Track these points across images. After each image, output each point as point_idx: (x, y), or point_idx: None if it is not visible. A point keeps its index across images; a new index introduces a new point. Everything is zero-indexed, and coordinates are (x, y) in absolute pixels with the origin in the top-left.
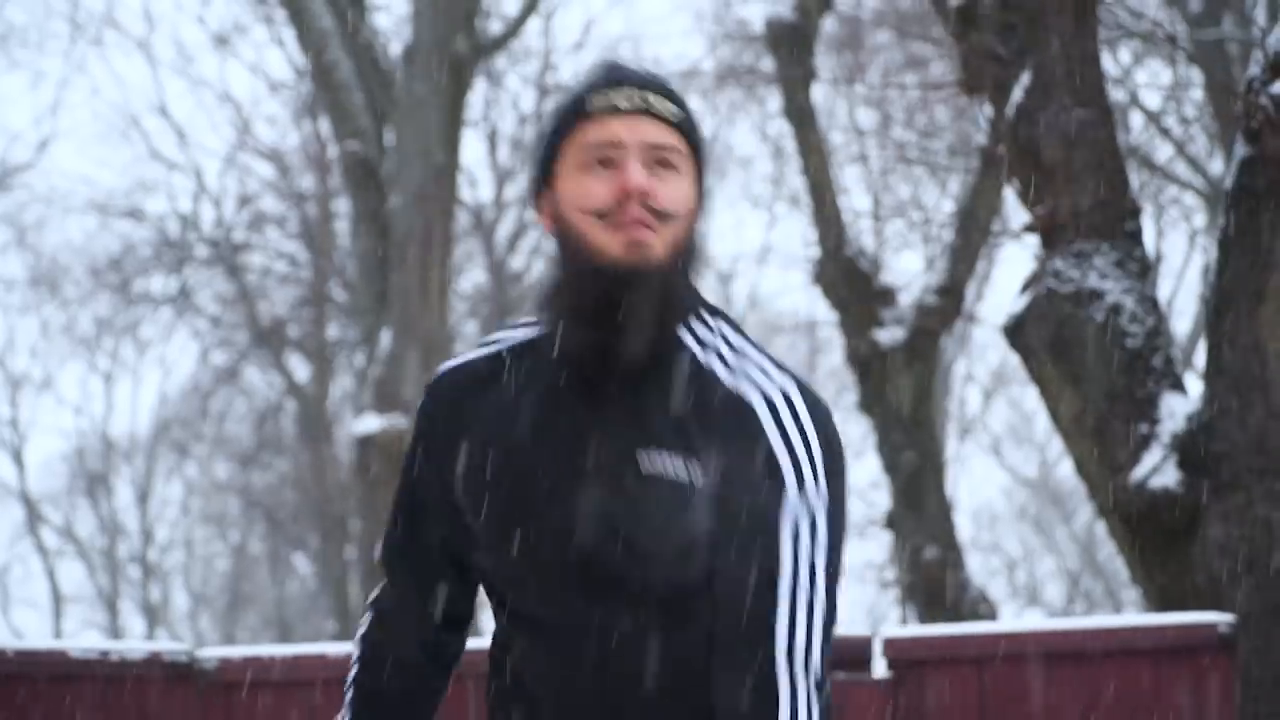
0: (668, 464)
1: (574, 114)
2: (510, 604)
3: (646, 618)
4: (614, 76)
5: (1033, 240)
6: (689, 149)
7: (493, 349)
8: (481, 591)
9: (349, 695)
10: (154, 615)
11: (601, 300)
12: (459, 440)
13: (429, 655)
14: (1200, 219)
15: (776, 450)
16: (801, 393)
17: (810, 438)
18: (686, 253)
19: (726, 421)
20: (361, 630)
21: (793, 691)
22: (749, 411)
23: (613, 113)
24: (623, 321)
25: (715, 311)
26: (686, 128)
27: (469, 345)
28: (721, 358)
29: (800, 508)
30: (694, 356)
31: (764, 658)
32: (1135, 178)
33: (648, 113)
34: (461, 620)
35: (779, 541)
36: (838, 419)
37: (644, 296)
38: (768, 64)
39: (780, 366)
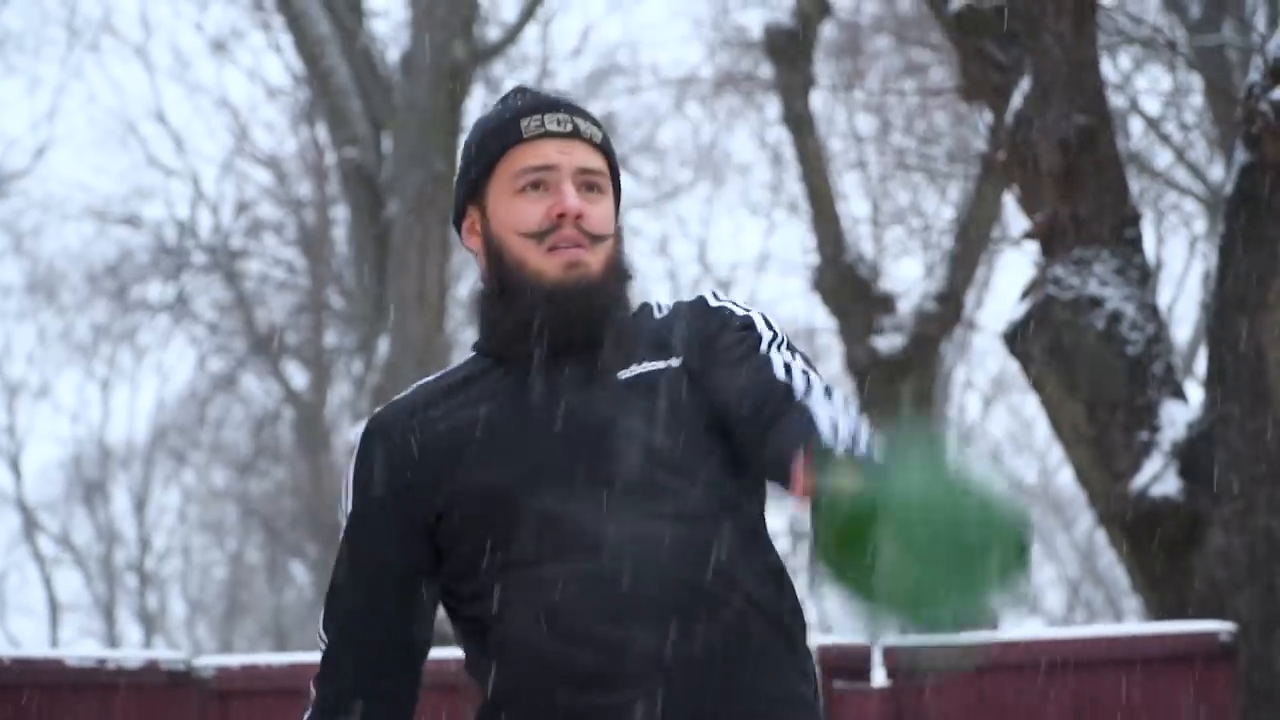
0: (644, 367)
1: (507, 138)
2: (526, 569)
3: (662, 508)
4: (541, 101)
5: (1032, 247)
6: (608, 170)
7: (421, 387)
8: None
9: None
10: (151, 623)
11: (546, 320)
12: (430, 447)
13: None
14: (1200, 225)
15: (731, 308)
16: (721, 287)
17: (749, 302)
18: (620, 269)
19: (681, 320)
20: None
21: (828, 409)
22: (696, 302)
23: (545, 137)
24: (572, 335)
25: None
26: (608, 150)
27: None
28: (657, 305)
29: (768, 334)
30: (631, 314)
31: (794, 403)
32: (1135, 184)
33: (577, 136)
34: (420, 653)
35: (769, 359)
36: None
37: (590, 310)
38: (766, 70)
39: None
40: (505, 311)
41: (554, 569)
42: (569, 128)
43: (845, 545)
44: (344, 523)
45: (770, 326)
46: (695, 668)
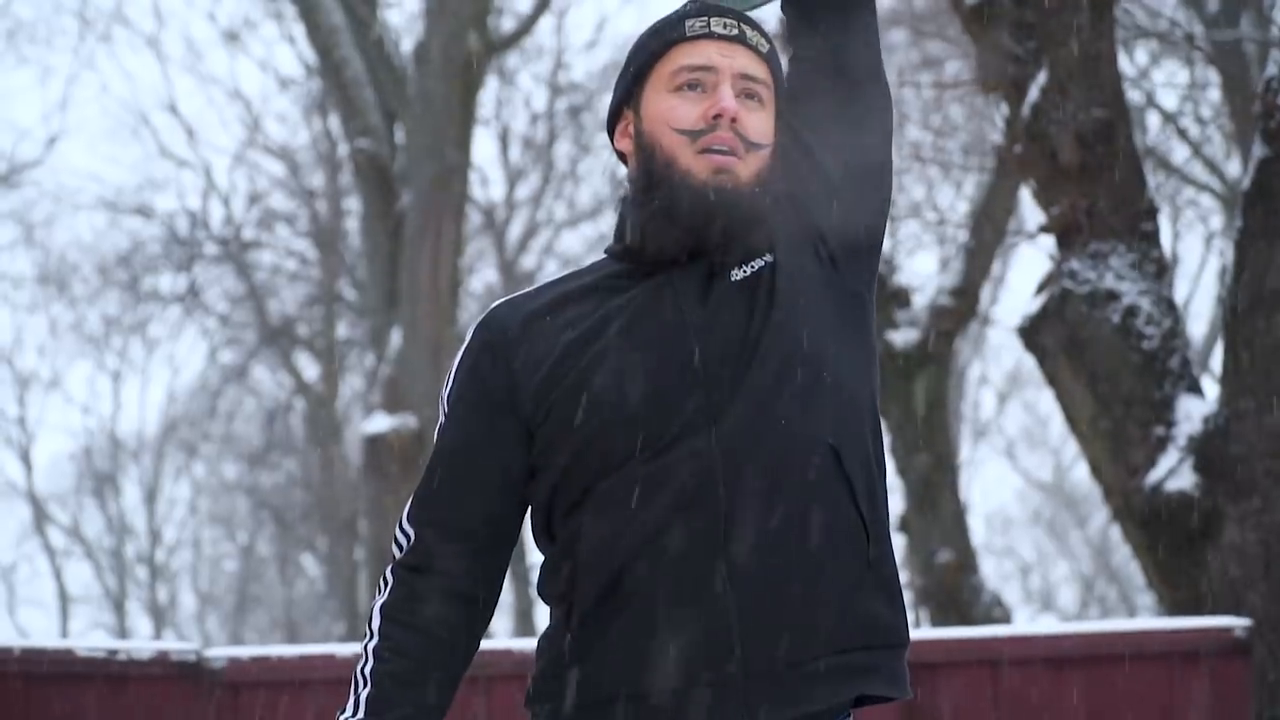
0: (751, 267)
1: (671, 36)
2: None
3: (787, 403)
4: (709, 6)
5: (1048, 241)
6: (773, 84)
7: (548, 288)
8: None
9: (368, 667)
10: (161, 616)
11: (691, 219)
12: (543, 353)
13: (475, 615)
14: (1217, 220)
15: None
16: None
17: None
18: (767, 184)
19: (786, 206)
20: (382, 600)
21: None
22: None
23: (709, 38)
24: (713, 238)
25: None
26: (774, 63)
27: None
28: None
29: None
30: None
31: None
32: (1152, 178)
33: (742, 42)
34: (498, 575)
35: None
36: None
37: (729, 218)
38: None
39: None
40: (646, 208)
41: (660, 469)
42: (734, 31)
43: None
44: (442, 415)
45: None
46: (777, 568)
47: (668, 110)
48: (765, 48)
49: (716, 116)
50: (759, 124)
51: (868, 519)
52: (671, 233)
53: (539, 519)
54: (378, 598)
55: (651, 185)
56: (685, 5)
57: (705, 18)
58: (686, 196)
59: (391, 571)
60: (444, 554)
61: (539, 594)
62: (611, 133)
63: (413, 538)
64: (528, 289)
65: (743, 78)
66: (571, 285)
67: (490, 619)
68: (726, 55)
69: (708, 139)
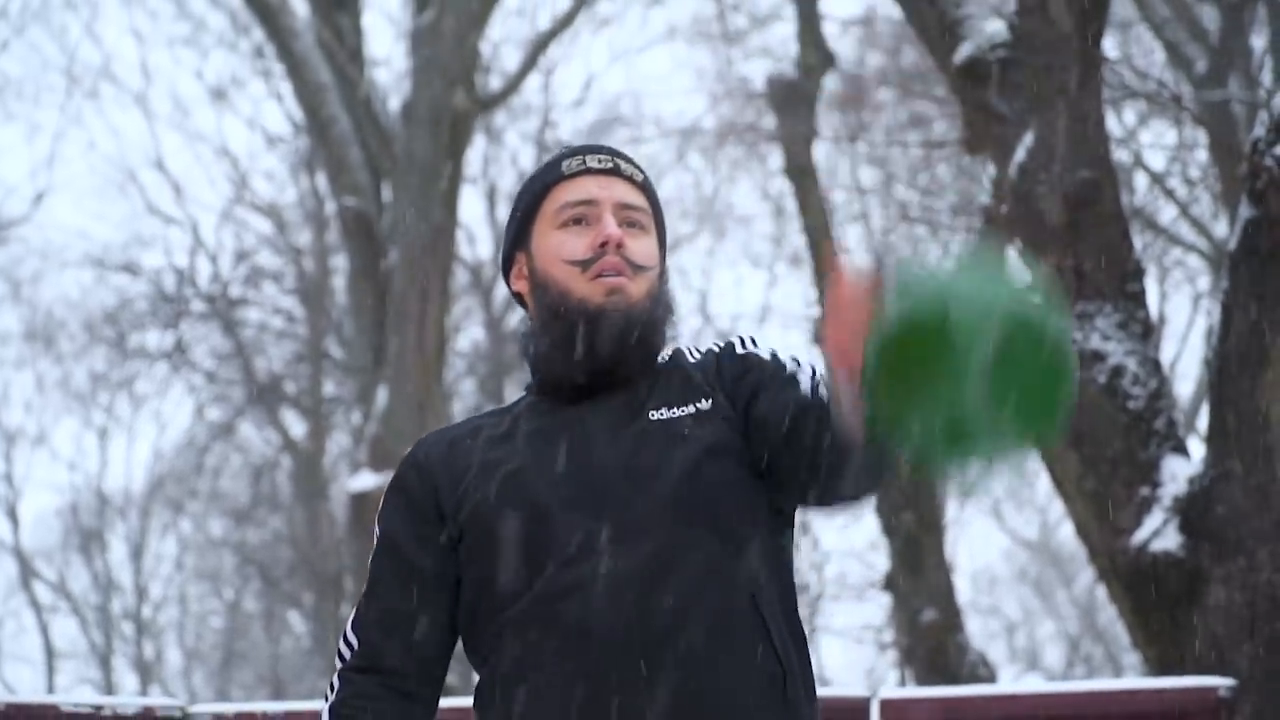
0: (676, 409)
1: (550, 176)
2: (543, 613)
3: (679, 546)
4: (582, 146)
5: None
6: (651, 210)
7: (465, 422)
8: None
9: None
10: (147, 672)
11: (587, 337)
12: (461, 470)
13: (408, 711)
14: (1204, 281)
15: (759, 351)
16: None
17: (768, 340)
18: (661, 303)
19: (712, 363)
20: (334, 700)
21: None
22: (727, 347)
23: (586, 173)
24: (608, 352)
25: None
26: (649, 190)
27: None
28: (688, 350)
29: (793, 363)
30: (668, 356)
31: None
32: (1139, 239)
33: (617, 173)
34: (440, 683)
35: (796, 378)
36: None
37: (625, 329)
38: (769, 122)
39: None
40: (548, 338)
41: (556, 600)
42: (609, 165)
43: (910, 360)
44: (375, 538)
45: (796, 360)
46: (690, 707)
47: (557, 245)
48: (640, 177)
49: (603, 244)
50: (644, 248)
51: (784, 663)
52: (574, 357)
53: (465, 636)
54: (325, 701)
55: (551, 318)
56: (561, 149)
57: (581, 155)
58: (583, 320)
59: (338, 676)
60: (389, 652)
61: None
62: (507, 277)
63: (356, 644)
64: (453, 424)
65: (623, 207)
66: (495, 416)
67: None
68: (604, 187)
69: (597, 266)
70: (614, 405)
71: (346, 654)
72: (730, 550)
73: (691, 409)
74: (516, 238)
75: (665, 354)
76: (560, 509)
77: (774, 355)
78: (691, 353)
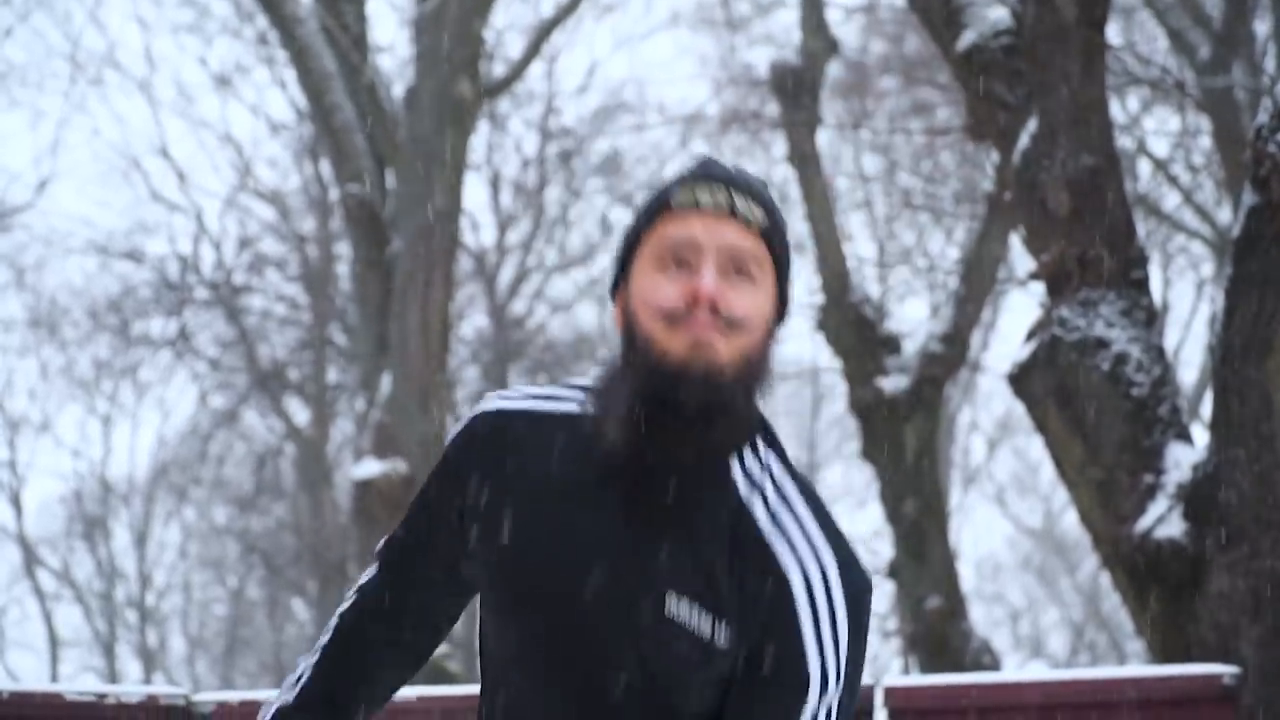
0: (693, 615)
1: (657, 207)
2: (497, 678)
3: None
4: (703, 172)
5: (1039, 288)
6: (771, 258)
7: (544, 407)
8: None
9: (312, 660)
10: (151, 659)
11: (659, 403)
12: (489, 493)
13: (399, 648)
14: (1208, 267)
15: (807, 645)
16: (841, 571)
17: (841, 632)
18: (755, 368)
19: (760, 590)
20: (342, 608)
21: None
22: (784, 589)
23: (695, 210)
24: (678, 430)
25: (770, 439)
26: (771, 235)
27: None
28: (765, 501)
29: (820, 707)
30: (737, 492)
31: None
32: (1142, 226)
33: (732, 214)
34: (440, 627)
35: None
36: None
37: (704, 403)
38: (773, 109)
39: (823, 526)
40: (617, 383)
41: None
42: (724, 204)
43: None
44: (409, 509)
45: (825, 685)
46: None
47: (650, 289)
48: (759, 220)
49: (695, 299)
50: (746, 301)
51: None
52: (630, 420)
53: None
54: (343, 599)
55: (630, 364)
56: (685, 166)
57: (693, 187)
58: (658, 376)
59: (356, 591)
60: (389, 586)
61: None
62: (613, 298)
63: (374, 569)
64: (527, 394)
65: (730, 252)
66: (555, 410)
67: (431, 646)
68: (713, 230)
69: (685, 323)
70: (648, 541)
71: (369, 569)
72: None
73: (708, 629)
74: (622, 261)
75: (752, 462)
76: (536, 600)
77: (804, 680)
78: (768, 501)
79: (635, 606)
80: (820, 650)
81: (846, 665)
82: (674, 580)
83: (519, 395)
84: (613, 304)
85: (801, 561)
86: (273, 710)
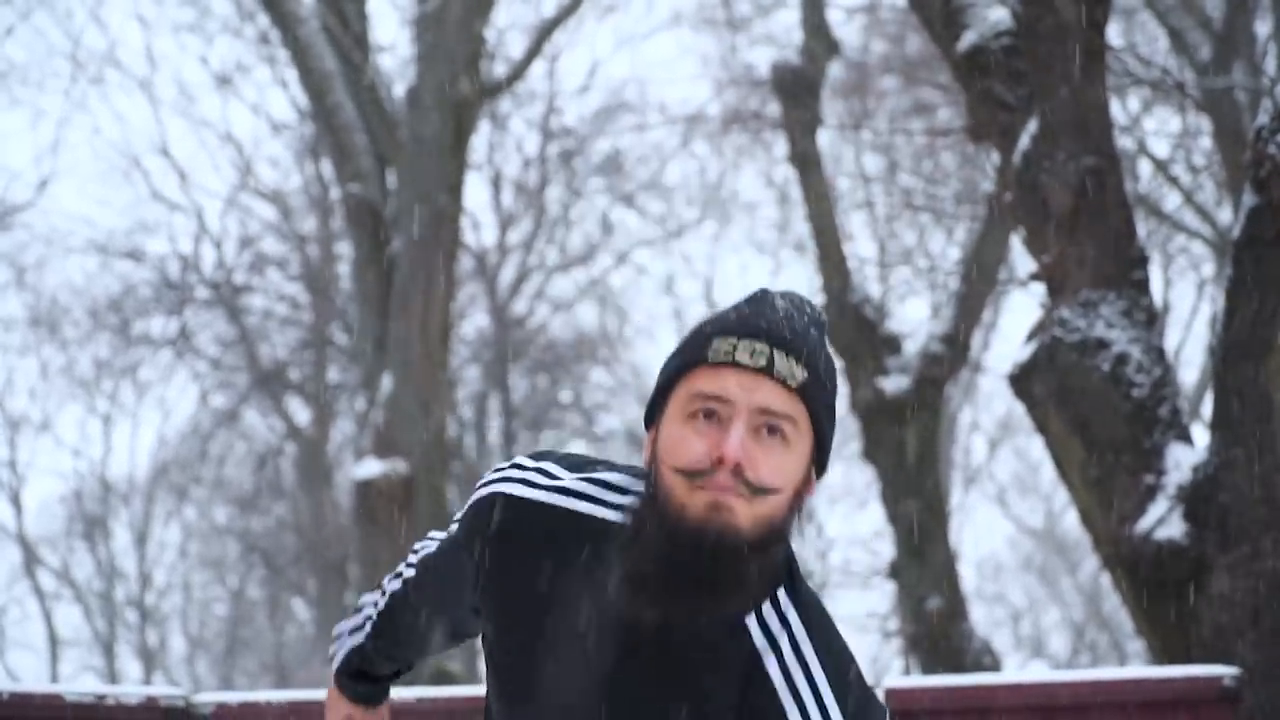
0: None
1: (694, 356)
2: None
3: None
4: (746, 327)
5: (1039, 288)
6: (809, 418)
7: (575, 505)
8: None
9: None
10: (151, 659)
11: (673, 561)
12: (502, 599)
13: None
14: (1208, 268)
15: None
16: None
17: None
18: (777, 532)
19: (751, 688)
20: (374, 614)
21: None
22: (773, 683)
23: (732, 365)
24: (688, 588)
25: (794, 588)
26: (810, 392)
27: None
28: (781, 659)
29: None
30: (753, 646)
31: None
32: (1143, 226)
33: (769, 374)
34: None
35: None
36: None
37: (714, 565)
38: (774, 109)
39: (838, 692)
40: (636, 532)
41: None
42: (762, 362)
43: None
44: (441, 542)
45: None
46: None
47: (677, 441)
48: (799, 380)
49: (720, 461)
50: (775, 464)
51: None
52: (649, 573)
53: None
54: (376, 598)
55: (651, 511)
56: (732, 310)
57: (734, 340)
58: (675, 534)
59: (373, 618)
60: (396, 634)
61: None
62: (647, 426)
63: (377, 612)
64: (554, 483)
65: (762, 412)
66: (583, 512)
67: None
68: (747, 388)
69: (705, 482)
70: (660, 693)
71: (380, 604)
72: None
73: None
74: (657, 399)
75: (771, 617)
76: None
77: None
78: (785, 662)
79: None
80: None
81: None
82: (676, 710)
83: (545, 481)
84: (647, 433)
85: (796, 681)
86: (347, 649)
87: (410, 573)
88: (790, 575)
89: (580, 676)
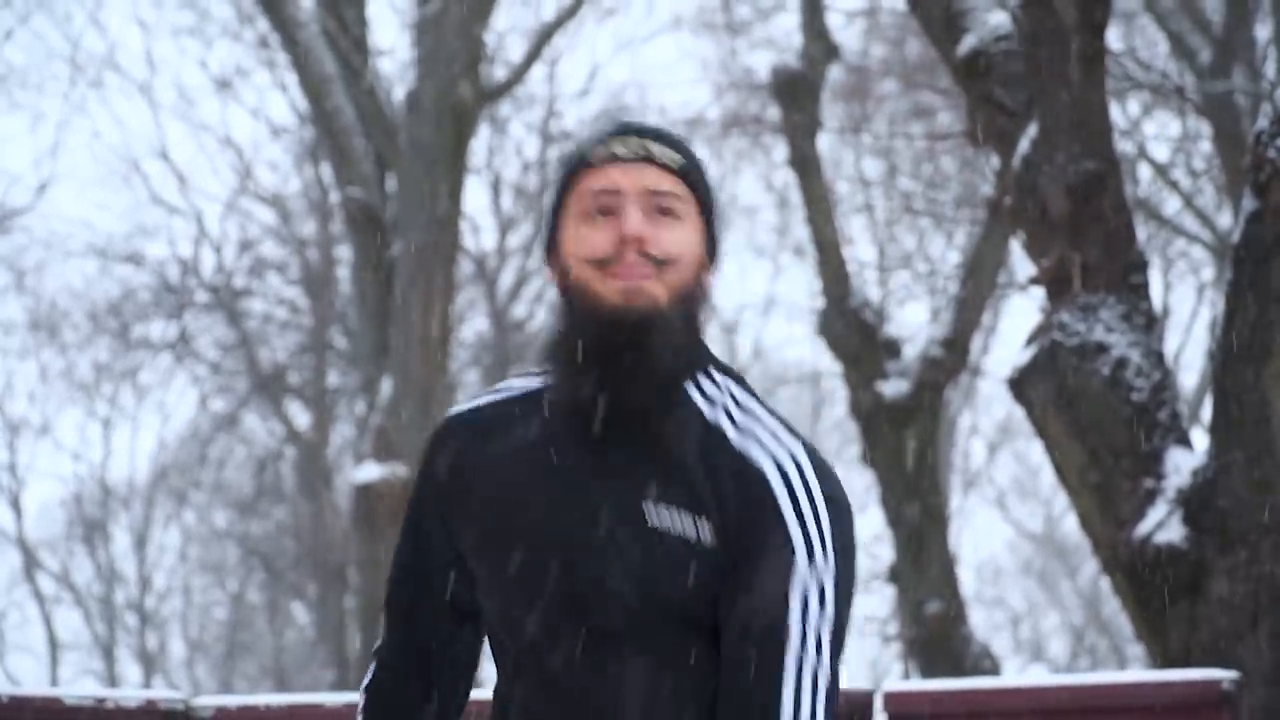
0: (675, 519)
1: (576, 164)
2: (509, 648)
3: (637, 658)
4: (616, 127)
5: (1039, 292)
6: (694, 196)
7: (499, 396)
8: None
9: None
10: (151, 663)
11: (602, 348)
12: (464, 488)
13: (434, 702)
14: (1208, 272)
15: (788, 520)
16: (811, 459)
17: (820, 508)
18: (691, 300)
19: (737, 485)
20: (366, 680)
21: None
22: (759, 477)
23: (613, 161)
24: (626, 369)
25: (723, 367)
26: (690, 174)
27: (470, 394)
28: (730, 415)
29: (809, 579)
30: (701, 413)
31: (773, 664)
32: (1143, 230)
33: (648, 160)
34: (466, 666)
35: (787, 612)
36: (841, 473)
37: (646, 342)
38: (773, 113)
39: (789, 428)
40: (559, 337)
41: (513, 673)
42: (641, 151)
43: None
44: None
45: (811, 554)
46: None
47: (578, 241)
48: (677, 161)
49: (623, 241)
50: (673, 238)
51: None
52: (575, 370)
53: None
54: (365, 674)
55: (569, 318)
56: (594, 124)
57: (608, 140)
58: (597, 323)
59: (373, 655)
60: (397, 634)
61: None
62: (548, 261)
63: (382, 621)
64: (479, 394)
65: (651, 194)
66: (510, 397)
67: (465, 690)
68: (632, 175)
69: (614, 268)
70: (617, 467)
71: (376, 634)
72: (662, 657)
73: (691, 523)
74: (551, 223)
75: (709, 385)
76: (516, 600)
77: (790, 545)
78: (728, 413)
79: (617, 526)
80: (801, 521)
81: (833, 541)
82: (649, 494)
83: (471, 397)
84: (548, 268)
85: (774, 455)
86: None
87: (380, 635)
88: (719, 364)
89: (555, 494)
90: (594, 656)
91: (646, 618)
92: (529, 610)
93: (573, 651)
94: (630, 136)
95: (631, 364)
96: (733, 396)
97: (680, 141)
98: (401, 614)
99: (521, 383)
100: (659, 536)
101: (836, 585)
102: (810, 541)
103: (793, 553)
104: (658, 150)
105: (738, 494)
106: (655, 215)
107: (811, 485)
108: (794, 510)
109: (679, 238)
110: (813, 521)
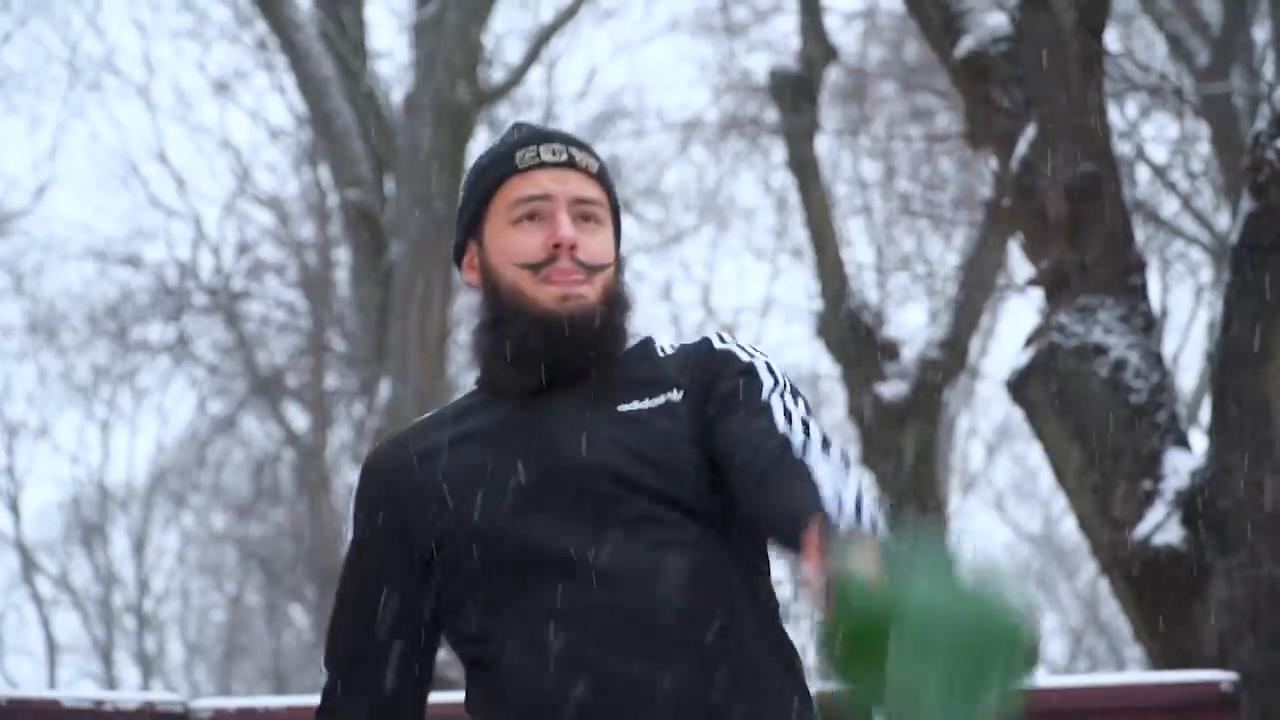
0: (648, 403)
1: (503, 169)
2: (535, 590)
3: (670, 544)
4: (537, 134)
5: (1037, 294)
6: (608, 200)
7: (426, 418)
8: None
9: None
10: (149, 665)
11: (539, 348)
12: (427, 482)
13: None
14: (1206, 274)
15: (736, 352)
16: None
17: (755, 344)
18: (617, 299)
19: (690, 360)
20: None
21: (829, 469)
22: (706, 345)
23: (540, 167)
24: (563, 358)
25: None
26: (604, 179)
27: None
28: (659, 346)
29: (775, 384)
30: (665, 356)
31: (793, 459)
32: (1141, 232)
33: (572, 166)
34: (421, 693)
35: (770, 406)
36: None
37: (585, 341)
38: (771, 115)
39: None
40: (499, 341)
41: (548, 602)
42: (564, 157)
43: (857, 642)
44: (345, 557)
45: (772, 372)
46: (693, 700)
47: (509, 244)
48: (595, 167)
49: (556, 246)
50: (598, 245)
51: (765, 640)
52: (525, 364)
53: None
54: None
55: (500, 319)
56: (512, 132)
57: (534, 146)
58: (536, 327)
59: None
60: (350, 699)
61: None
62: (459, 263)
63: (325, 680)
64: (403, 430)
65: (577, 202)
66: (440, 416)
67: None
68: (559, 182)
69: (548, 270)
70: (574, 400)
71: (320, 695)
72: (699, 541)
73: (661, 399)
74: (469, 227)
75: (632, 344)
76: (521, 514)
77: (749, 366)
78: (663, 348)
79: (603, 427)
80: (744, 349)
81: (771, 360)
82: (617, 400)
83: (393, 433)
84: (459, 270)
85: (707, 335)
86: None
87: (328, 686)
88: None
89: (532, 433)
90: (629, 549)
91: (666, 493)
92: (550, 526)
93: (605, 549)
94: (555, 143)
95: (573, 360)
96: (682, 344)
97: (591, 147)
98: (357, 649)
99: (433, 413)
100: (643, 419)
101: (793, 389)
102: (755, 354)
103: (754, 369)
104: (579, 157)
105: (692, 366)
106: (580, 222)
107: (738, 336)
108: (739, 346)
109: (604, 243)
110: (755, 350)
